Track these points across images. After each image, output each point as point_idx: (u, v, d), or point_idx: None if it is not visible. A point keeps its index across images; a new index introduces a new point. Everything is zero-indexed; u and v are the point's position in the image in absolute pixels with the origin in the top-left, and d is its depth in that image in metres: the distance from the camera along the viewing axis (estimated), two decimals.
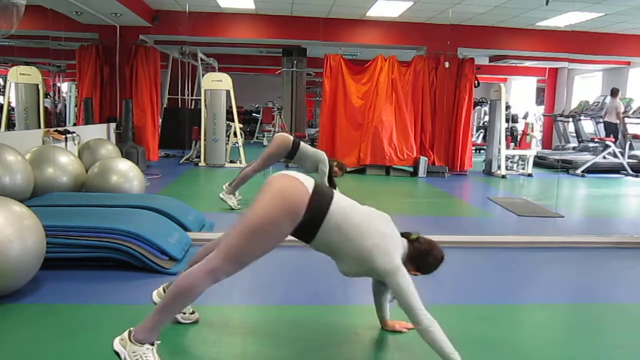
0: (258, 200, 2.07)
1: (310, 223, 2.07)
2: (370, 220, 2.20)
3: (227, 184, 5.33)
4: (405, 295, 2.07)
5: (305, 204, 2.03)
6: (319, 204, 2.08)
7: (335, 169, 5.49)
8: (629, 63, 11.47)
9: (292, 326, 2.56)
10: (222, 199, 5.22)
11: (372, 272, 2.17)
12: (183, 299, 2.02)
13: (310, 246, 2.19)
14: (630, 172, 9.09)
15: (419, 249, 2.27)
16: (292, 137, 5.52)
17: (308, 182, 2.11)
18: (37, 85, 6.85)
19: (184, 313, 2.50)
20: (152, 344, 1.98)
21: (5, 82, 7.06)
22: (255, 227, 2.01)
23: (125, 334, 1.97)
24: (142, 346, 1.94)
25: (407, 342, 2.44)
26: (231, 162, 8.75)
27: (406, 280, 2.10)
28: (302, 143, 5.52)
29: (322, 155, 5.42)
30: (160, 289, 2.52)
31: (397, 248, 2.19)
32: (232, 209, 5.18)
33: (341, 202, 2.18)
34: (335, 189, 5.48)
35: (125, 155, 6.77)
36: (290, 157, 5.44)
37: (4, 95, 7.19)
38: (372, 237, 2.13)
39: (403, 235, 2.32)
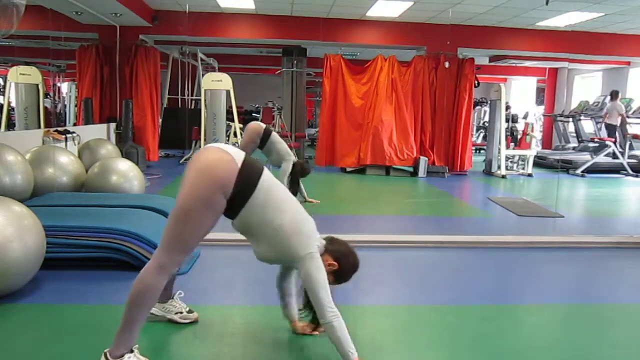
0: (185, 180, 1.98)
1: (238, 197, 1.98)
2: (296, 206, 2.14)
3: None
4: (316, 286, 2.01)
5: (234, 177, 1.95)
6: (248, 177, 1.99)
7: (299, 167, 5.45)
8: (629, 63, 11.47)
9: (288, 327, 2.55)
10: None
11: (287, 257, 2.08)
12: (143, 303, 1.97)
13: (232, 224, 2.11)
14: (630, 172, 9.10)
15: (336, 250, 2.20)
16: (263, 125, 5.55)
17: (237, 155, 2.02)
18: (37, 85, 6.84)
19: (181, 312, 2.49)
20: (132, 351, 1.98)
21: (5, 82, 7.06)
22: (187, 210, 1.94)
23: (102, 358, 1.96)
24: (123, 358, 1.95)
25: (410, 341, 2.44)
26: None
27: (320, 272, 2.04)
28: (274, 133, 5.52)
29: (290, 156, 5.45)
30: None
31: (316, 238, 2.15)
32: None
33: (271, 180, 2.10)
34: (296, 191, 5.51)
35: (125, 155, 6.77)
36: (261, 145, 5.44)
37: (4, 95, 7.19)
38: (296, 222, 2.08)
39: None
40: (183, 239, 1.97)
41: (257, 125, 5.52)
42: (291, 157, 5.47)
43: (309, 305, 2.19)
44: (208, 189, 1.93)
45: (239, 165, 1.98)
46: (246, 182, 1.98)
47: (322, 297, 2.01)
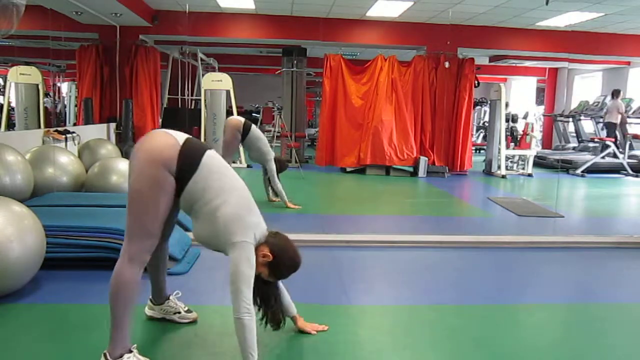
0: (130, 167, 2.00)
1: (182, 175, 1.98)
2: (242, 194, 2.11)
3: None
4: (239, 276, 1.96)
5: (176, 154, 1.96)
6: (190, 155, 1.99)
7: (277, 164, 5.43)
8: (629, 63, 11.47)
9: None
10: None
11: (221, 241, 2.03)
12: (123, 299, 1.96)
13: (179, 203, 2.08)
14: (630, 172, 9.10)
15: (275, 242, 2.14)
16: (243, 119, 5.50)
17: (179, 135, 2.04)
18: (37, 85, 6.84)
19: (180, 312, 2.49)
20: (130, 351, 2.00)
21: (5, 82, 7.06)
22: (138, 196, 1.95)
23: (102, 359, 1.98)
24: (122, 358, 1.97)
25: (410, 341, 2.44)
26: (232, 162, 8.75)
27: (248, 264, 1.99)
28: (254, 127, 5.44)
29: (270, 154, 5.41)
30: (149, 301, 2.53)
31: (256, 231, 2.08)
32: None
33: (219, 163, 2.09)
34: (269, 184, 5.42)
35: (125, 155, 6.76)
36: (242, 139, 5.40)
37: (4, 95, 7.18)
38: (238, 208, 2.04)
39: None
40: (142, 225, 1.96)
41: (237, 121, 5.45)
42: (272, 155, 5.41)
43: (261, 303, 2.20)
44: (153, 168, 1.94)
45: (181, 143, 2.00)
46: (189, 159, 1.99)
47: (243, 290, 1.96)
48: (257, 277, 2.11)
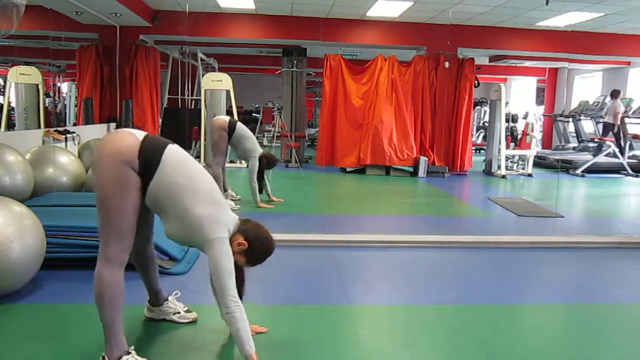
0: (94, 170, 2.01)
1: (145, 172, 1.97)
2: (210, 188, 2.10)
3: None
4: (223, 272, 1.98)
5: (136, 150, 1.95)
6: (150, 150, 1.98)
7: (264, 160, 5.38)
8: (629, 63, 11.47)
9: (292, 326, 2.56)
10: None
11: (195, 238, 2.04)
12: (109, 302, 1.96)
13: (146, 202, 2.05)
14: (630, 172, 9.10)
15: (248, 229, 2.15)
16: (228, 118, 5.49)
17: (138, 133, 2.03)
18: (37, 85, 6.84)
19: (179, 313, 2.49)
20: (128, 352, 2.00)
21: (5, 82, 7.06)
22: (105, 197, 1.94)
23: None
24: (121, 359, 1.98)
25: (410, 341, 2.44)
26: (231, 162, 8.74)
27: (227, 258, 2.01)
28: (239, 125, 5.42)
29: (255, 152, 5.37)
30: (147, 304, 2.53)
31: (229, 223, 2.10)
32: (233, 209, 5.22)
33: (183, 158, 2.08)
34: (263, 181, 5.40)
35: None
36: (229, 138, 5.37)
37: (4, 95, 7.18)
38: (205, 202, 2.03)
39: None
40: (113, 225, 1.95)
41: (222, 120, 5.43)
42: (257, 153, 5.38)
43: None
44: (115, 166, 1.94)
45: (140, 139, 2.00)
46: (150, 153, 1.98)
47: (228, 283, 1.98)
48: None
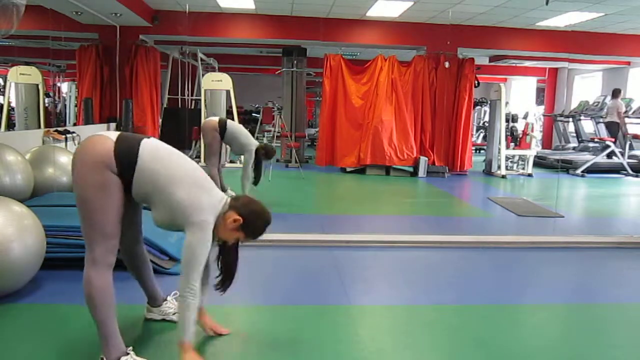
0: (73, 176, 2.00)
1: (125, 170, 1.98)
2: (190, 170, 2.10)
3: None
4: (192, 257, 1.97)
5: (111, 151, 1.96)
6: (125, 148, 1.98)
7: (262, 151, 5.34)
8: (629, 63, 11.47)
9: (292, 326, 2.56)
10: None
11: (180, 222, 2.03)
12: (99, 303, 1.96)
13: (134, 198, 2.08)
14: (630, 172, 9.10)
15: (238, 204, 2.14)
16: (217, 118, 5.48)
17: (111, 134, 2.04)
18: (37, 85, 6.84)
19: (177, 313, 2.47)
20: (127, 353, 2.01)
21: (5, 82, 7.06)
22: (84, 199, 1.95)
23: None
24: None
25: (410, 341, 2.44)
26: (231, 162, 8.76)
27: (203, 246, 1.99)
28: (230, 122, 5.41)
29: (250, 145, 5.34)
30: (147, 305, 2.53)
31: (216, 205, 2.09)
32: None
33: (159, 146, 2.10)
34: (260, 176, 5.40)
35: None
36: (221, 138, 5.36)
37: (4, 95, 7.18)
38: (188, 186, 2.03)
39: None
40: (96, 227, 1.96)
41: (212, 121, 5.42)
42: (251, 146, 5.34)
43: (222, 268, 2.20)
44: (92, 171, 1.94)
45: (114, 139, 2.00)
46: (126, 151, 1.98)
47: (192, 273, 1.98)
48: (224, 245, 2.16)
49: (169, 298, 2.52)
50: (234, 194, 5.68)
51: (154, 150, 2.05)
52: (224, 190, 5.47)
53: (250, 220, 2.13)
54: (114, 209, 1.97)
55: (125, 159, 1.97)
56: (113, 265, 2.02)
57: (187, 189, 2.02)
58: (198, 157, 8.85)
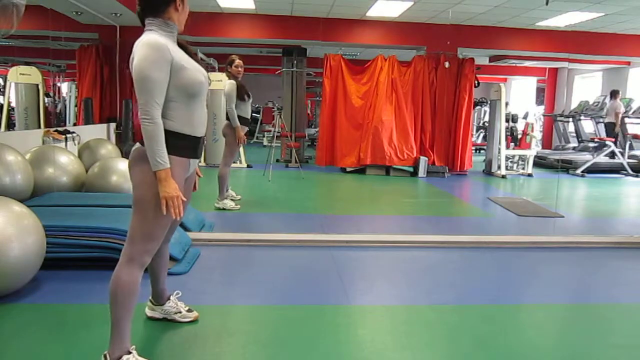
0: (130, 174, 2.00)
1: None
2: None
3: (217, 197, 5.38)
4: (139, 75, 1.90)
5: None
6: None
7: (231, 68, 5.24)
8: (629, 63, 11.47)
9: (292, 326, 2.56)
10: (219, 208, 5.25)
11: None
12: (123, 300, 1.97)
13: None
14: (630, 172, 9.10)
15: None
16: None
17: None
18: (37, 85, 6.84)
19: (180, 312, 2.50)
20: (129, 352, 2.00)
21: (5, 82, 7.06)
22: (142, 203, 1.95)
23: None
24: (121, 359, 1.98)
25: (410, 341, 2.44)
26: None
27: (153, 62, 1.88)
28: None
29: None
30: (149, 302, 2.54)
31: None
32: (233, 209, 5.24)
33: None
34: (248, 95, 5.24)
35: (125, 155, 6.76)
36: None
37: (4, 95, 7.18)
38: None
39: None
40: (146, 227, 1.96)
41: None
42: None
43: None
44: (152, 176, 1.91)
45: None
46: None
47: (142, 93, 1.92)
48: None
49: (171, 297, 2.53)
50: (234, 193, 5.69)
51: None
52: (225, 196, 5.43)
53: None
54: (169, 216, 1.96)
55: None
56: (144, 267, 2.03)
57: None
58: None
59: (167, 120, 1.97)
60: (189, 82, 1.97)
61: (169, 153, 1.92)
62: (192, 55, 2.10)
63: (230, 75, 5.24)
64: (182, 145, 2.01)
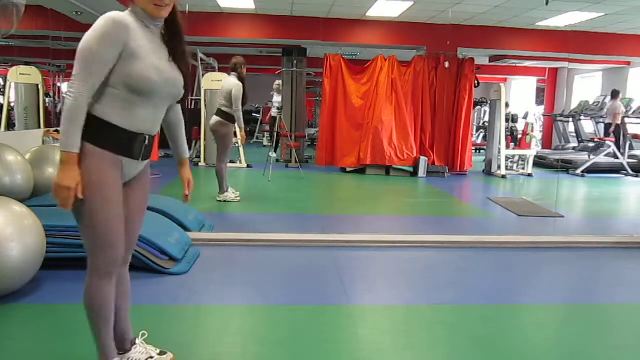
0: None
1: None
2: None
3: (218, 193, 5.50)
4: (83, 43, 1.76)
5: None
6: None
7: (241, 70, 5.29)
8: (629, 63, 11.47)
9: (292, 326, 2.56)
10: (221, 200, 5.34)
11: None
12: (99, 313, 1.86)
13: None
14: (630, 172, 9.10)
15: None
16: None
17: None
18: (37, 85, 6.84)
19: (152, 357, 2.09)
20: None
21: (5, 82, 7.06)
22: (79, 209, 1.82)
23: None
24: None
25: (410, 341, 2.44)
26: (231, 162, 8.74)
27: (99, 37, 1.73)
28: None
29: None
30: None
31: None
32: (234, 201, 5.35)
33: None
34: (244, 82, 5.24)
35: None
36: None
37: (4, 95, 7.18)
38: None
39: None
40: (97, 238, 1.85)
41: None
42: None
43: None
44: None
45: None
46: None
47: (78, 61, 1.75)
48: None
49: (137, 341, 2.08)
50: (235, 192, 5.69)
51: None
52: (225, 189, 5.48)
53: None
54: (117, 215, 1.89)
55: None
56: (113, 277, 1.92)
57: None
58: (198, 157, 8.86)
59: (98, 105, 1.72)
60: (134, 75, 1.70)
61: (94, 143, 1.70)
62: (181, 55, 1.86)
63: (239, 77, 5.24)
64: (111, 136, 1.74)
